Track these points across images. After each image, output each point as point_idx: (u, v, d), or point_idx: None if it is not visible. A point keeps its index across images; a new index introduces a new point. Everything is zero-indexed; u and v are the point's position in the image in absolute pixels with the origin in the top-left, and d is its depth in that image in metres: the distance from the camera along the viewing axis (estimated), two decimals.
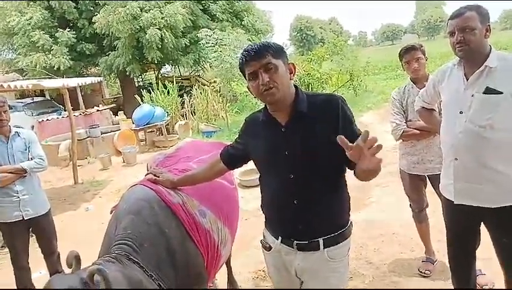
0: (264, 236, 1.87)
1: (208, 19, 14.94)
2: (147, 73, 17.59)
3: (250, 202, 5.15)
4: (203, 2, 14.91)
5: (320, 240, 1.61)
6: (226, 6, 15.80)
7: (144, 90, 11.88)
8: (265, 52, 1.51)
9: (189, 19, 13.66)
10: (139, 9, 12.76)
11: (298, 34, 67.44)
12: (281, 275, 1.79)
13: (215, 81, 13.62)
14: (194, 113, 11.82)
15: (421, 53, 2.79)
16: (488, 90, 1.86)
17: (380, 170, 1.38)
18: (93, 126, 9.69)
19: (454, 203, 2.06)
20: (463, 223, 2.14)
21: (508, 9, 62.51)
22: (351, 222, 1.72)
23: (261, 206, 1.85)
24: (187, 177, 2.12)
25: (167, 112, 10.63)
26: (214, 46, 10.84)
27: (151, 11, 12.84)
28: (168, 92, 11.43)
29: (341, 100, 1.59)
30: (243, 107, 13.22)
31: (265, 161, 1.71)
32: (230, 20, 15.87)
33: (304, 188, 1.59)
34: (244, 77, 1.60)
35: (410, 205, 3.12)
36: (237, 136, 1.92)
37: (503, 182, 1.91)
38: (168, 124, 10.48)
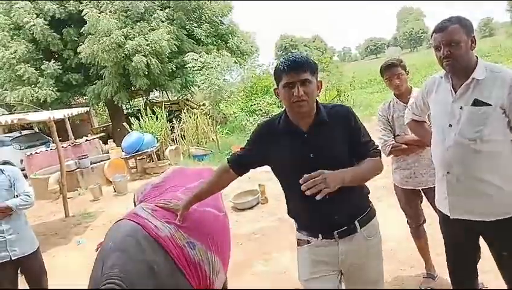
0: (298, 239, 1.96)
1: (193, 43, 15.05)
2: (135, 100, 17.57)
3: (244, 226, 5.07)
4: (187, 27, 15.03)
5: (356, 223, 1.83)
6: (210, 29, 15.96)
7: (133, 117, 11.82)
8: (306, 68, 1.68)
9: (175, 44, 13.76)
10: (123, 37, 12.81)
11: (284, 53, 68.46)
12: (318, 268, 1.86)
13: (204, 104, 13.64)
14: (184, 137, 11.76)
15: (402, 69, 2.79)
16: (477, 103, 1.84)
17: (350, 177, 1.67)
18: (83, 157, 9.54)
19: (450, 217, 2.02)
20: (461, 238, 2.09)
21: (486, 18, 64.25)
22: (372, 202, 1.97)
23: (289, 214, 1.99)
24: (195, 196, 2.14)
25: (157, 138, 10.55)
26: (201, 70, 10.91)
27: (135, 38, 12.91)
28: (157, 118, 11.39)
29: (351, 111, 1.86)
30: (233, 128, 13.23)
31: (291, 165, 1.80)
32: (215, 43, 16.03)
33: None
34: (276, 82, 1.76)
35: (407, 220, 3.07)
36: (247, 143, 2.00)
37: (496, 195, 1.87)
38: (158, 150, 10.40)
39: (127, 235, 1.91)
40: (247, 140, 2.01)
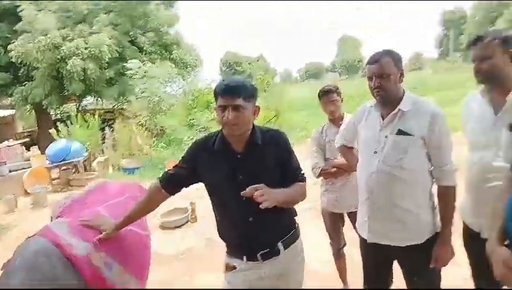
0: (226, 263, 1.98)
1: (136, 50, 14.61)
2: (66, 105, 16.53)
3: (171, 245, 4.89)
4: (131, 33, 14.60)
5: (280, 244, 1.88)
6: (155, 38, 15.63)
7: (62, 123, 11.10)
8: (240, 94, 1.71)
9: (116, 50, 13.27)
10: (61, 38, 12.11)
11: (228, 69, 69.08)
12: None
13: (140, 115, 13.21)
14: (116, 148, 11.23)
15: (337, 95, 2.93)
16: (400, 132, 1.96)
17: (281, 199, 1.70)
18: (1, 163, 8.73)
19: (368, 241, 2.11)
20: (377, 261, 2.19)
21: (415, 53, 69.90)
22: (298, 223, 2.03)
23: (219, 233, 2.01)
24: (128, 217, 2.04)
25: (86, 148, 9.96)
26: (142, 78, 10.58)
27: (74, 40, 12.27)
28: (88, 126, 10.80)
29: (285, 136, 1.94)
30: (169, 142, 12.89)
31: (222, 185, 1.84)
32: (158, 52, 15.68)
33: (257, 206, 1.66)
34: (216, 99, 1.78)
35: (330, 243, 3.17)
36: (181, 160, 1.98)
37: (411, 221, 1.99)
38: (85, 161, 9.80)
39: (36, 253, 1.75)
40: (182, 157, 2.00)
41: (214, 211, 1.99)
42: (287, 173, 1.89)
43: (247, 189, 1.61)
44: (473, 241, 2.03)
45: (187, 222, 5.70)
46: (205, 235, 5.08)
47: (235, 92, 1.72)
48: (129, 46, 14.44)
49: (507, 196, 1.58)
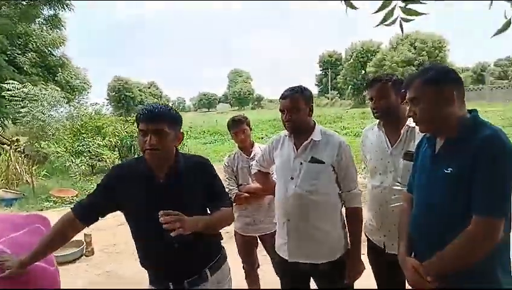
0: None
1: (14, 71, 13.30)
2: None
3: (65, 281, 4.42)
4: (8, 52, 13.27)
5: (207, 270, 1.86)
6: (37, 59, 14.50)
7: None
8: (163, 120, 1.70)
9: None
10: None
11: (116, 95, 66.01)
12: None
13: (18, 140, 11.88)
14: None
15: (247, 125, 3.07)
16: (313, 160, 2.13)
17: (195, 225, 1.67)
18: None
19: (288, 261, 2.20)
20: (295, 280, 2.30)
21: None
22: (223, 247, 2.03)
23: (141, 262, 1.92)
24: (37, 251, 1.82)
25: None
26: (22, 101, 9.61)
27: None
28: None
29: (209, 163, 1.96)
30: (53, 170, 11.77)
31: (145, 211, 1.74)
32: (41, 74, 14.59)
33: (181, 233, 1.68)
34: (137, 126, 1.75)
35: (243, 266, 3.22)
36: (98, 188, 1.86)
37: (325, 239, 2.14)
38: None
39: None
40: (98, 184, 1.88)
41: (135, 240, 1.90)
42: (212, 198, 1.88)
43: (160, 213, 1.56)
44: (378, 255, 2.26)
45: (82, 256, 5.30)
46: (104, 269, 4.79)
47: (157, 117, 1.70)
48: (6, 65, 13.08)
49: (408, 213, 1.78)
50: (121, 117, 15.14)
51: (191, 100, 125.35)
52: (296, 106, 2.13)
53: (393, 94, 2.15)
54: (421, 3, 1.29)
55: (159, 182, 1.79)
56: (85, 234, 5.36)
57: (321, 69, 77.84)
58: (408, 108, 1.65)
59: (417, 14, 1.36)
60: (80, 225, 1.85)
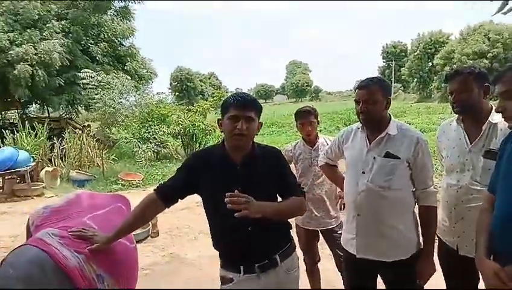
0: (221, 276, 1.95)
1: (88, 60, 14.16)
2: (8, 111, 15.46)
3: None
4: (83, 42, 14.14)
5: (277, 256, 1.90)
6: (108, 49, 15.27)
7: (6, 130, 10.33)
8: (254, 107, 1.83)
9: (67, 58, 12.77)
10: (8, 42, 11.43)
11: (178, 85, 68.34)
12: None
13: (89, 125, 12.65)
14: (65, 159, 10.65)
15: (314, 117, 3.02)
16: (388, 155, 2.06)
17: (261, 210, 1.70)
18: None
19: (357, 257, 2.16)
20: (362, 275, 2.27)
21: None
22: (292, 237, 2.06)
23: (214, 246, 1.99)
24: (123, 229, 1.98)
25: (33, 157, 9.36)
26: (96, 89, 10.20)
27: (23, 45, 11.64)
28: (36, 134, 10.18)
29: (280, 152, 2.05)
30: (121, 155, 12.45)
31: (220, 195, 1.74)
32: (111, 63, 15.34)
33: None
34: (222, 113, 1.85)
35: (304, 259, 3.17)
36: (178, 171, 1.98)
37: (396, 237, 2.08)
38: (32, 171, 9.19)
39: (30, 263, 1.66)
40: (178, 169, 2.00)
41: (210, 222, 1.98)
42: (284, 187, 1.94)
43: (227, 194, 1.63)
44: (450, 257, 2.18)
45: (147, 237, 5.52)
46: (168, 251, 4.97)
47: (248, 104, 1.81)
48: (81, 55, 13.96)
49: (488, 214, 1.70)
50: (184, 106, 15.58)
51: (248, 91, 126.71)
52: (373, 98, 2.06)
53: (475, 88, 2.03)
54: None
55: (236, 166, 1.87)
56: None
57: (384, 60, 74.77)
58: (497, 103, 1.58)
59: None
60: (162, 205, 1.95)
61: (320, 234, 3.11)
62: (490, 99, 2.10)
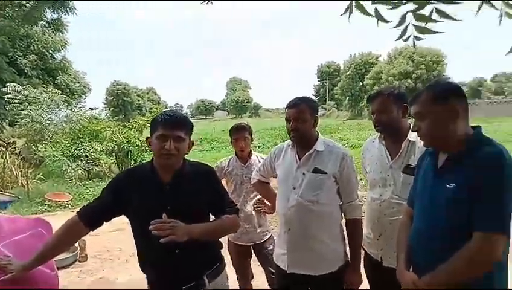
0: None
1: (15, 73, 13.31)
2: None
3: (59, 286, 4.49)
4: (10, 54, 13.28)
5: (205, 277, 1.86)
6: (38, 62, 14.50)
7: None
8: (184, 126, 1.79)
9: None
10: None
11: (114, 100, 65.87)
12: None
13: (14, 142, 11.83)
14: None
15: (248, 134, 3.06)
16: (316, 170, 2.14)
17: (188, 234, 1.66)
18: None
19: (288, 272, 2.18)
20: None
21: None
22: (223, 256, 2.03)
23: (142, 267, 1.92)
24: (40, 255, 1.83)
25: None
26: (22, 103, 9.60)
27: None
28: None
29: (213, 170, 2.03)
30: (49, 173, 11.68)
31: (149, 215, 1.71)
32: (41, 77, 14.58)
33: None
34: (151, 131, 1.81)
35: (237, 277, 3.18)
36: (104, 192, 1.89)
37: (325, 251, 2.14)
38: None
39: None
40: (103, 189, 1.91)
41: (137, 244, 1.91)
42: (216, 205, 1.91)
43: (151, 222, 1.60)
44: (375, 268, 2.25)
45: (75, 261, 5.25)
46: (97, 275, 4.76)
47: (179, 124, 1.77)
48: (7, 67, 13.09)
49: (407, 227, 1.78)
50: (119, 122, 15.10)
51: (188, 107, 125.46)
52: (303, 116, 2.15)
53: (394, 108, 2.16)
54: (434, 21, 1.33)
55: (165, 186, 1.82)
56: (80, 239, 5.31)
57: (319, 79, 78.29)
58: (413, 122, 1.67)
59: (431, 32, 1.38)
60: (85, 229, 1.85)
61: (252, 251, 3.11)
62: (409, 118, 2.17)
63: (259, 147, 18.31)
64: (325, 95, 69.65)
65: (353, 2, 1.37)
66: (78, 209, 1.95)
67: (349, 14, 1.42)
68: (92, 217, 1.86)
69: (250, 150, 3.13)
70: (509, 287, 1.59)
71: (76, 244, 5.25)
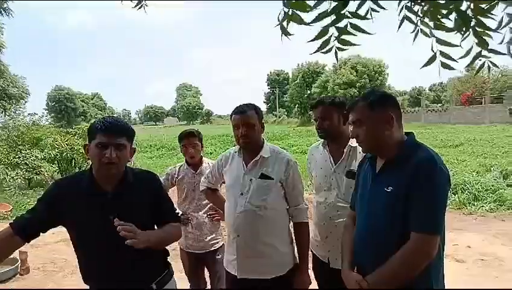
0: None
1: None
2: None
3: None
4: None
5: (153, 285, 1.82)
6: None
7: None
8: (125, 133, 1.71)
9: None
10: None
11: (57, 105, 62.60)
12: None
13: None
14: None
15: (198, 140, 3.02)
16: (263, 176, 2.17)
17: (147, 241, 1.64)
18: None
19: (238, 277, 2.19)
20: None
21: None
22: (171, 263, 2.00)
23: (85, 278, 1.82)
24: None
25: None
26: None
27: None
28: None
29: (157, 178, 1.98)
30: None
31: (91, 226, 1.69)
32: None
33: (130, 246, 1.63)
34: (89, 138, 1.71)
35: (190, 286, 3.14)
36: (39, 203, 1.77)
37: (274, 255, 2.17)
38: None
39: None
40: (38, 199, 1.80)
41: (79, 255, 1.83)
42: (160, 213, 1.87)
43: (116, 221, 1.58)
44: (322, 270, 2.33)
45: (16, 274, 4.95)
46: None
47: (120, 130, 1.69)
48: None
49: (351, 229, 1.84)
50: (61, 129, 14.41)
51: (137, 113, 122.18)
52: (251, 123, 2.17)
53: (336, 116, 2.27)
54: (353, 35, 1.40)
55: (107, 195, 1.74)
56: (20, 251, 5.02)
57: (269, 87, 79.56)
58: (351, 129, 1.74)
59: (350, 44, 1.45)
60: (19, 241, 1.72)
61: (205, 259, 3.07)
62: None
63: (211, 153, 18.23)
64: (275, 102, 70.79)
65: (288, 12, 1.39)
66: None
67: (282, 27, 1.44)
68: (26, 229, 1.73)
69: (202, 157, 3.10)
70: (445, 283, 1.66)
71: (17, 257, 4.99)
